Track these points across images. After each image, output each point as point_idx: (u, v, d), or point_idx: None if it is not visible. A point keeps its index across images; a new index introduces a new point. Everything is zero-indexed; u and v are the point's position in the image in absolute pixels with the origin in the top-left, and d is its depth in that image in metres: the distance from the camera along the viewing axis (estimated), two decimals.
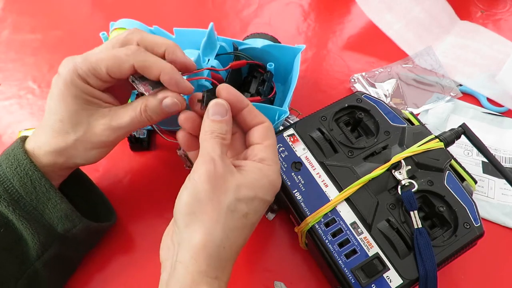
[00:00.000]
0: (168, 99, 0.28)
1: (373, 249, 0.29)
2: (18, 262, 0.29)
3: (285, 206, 0.35)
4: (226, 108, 0.28)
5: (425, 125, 0.35)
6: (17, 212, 0.28)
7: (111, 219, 0.35)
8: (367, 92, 0.39)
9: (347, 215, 0.31)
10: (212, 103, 0.28)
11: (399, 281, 0.28)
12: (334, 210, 0.31)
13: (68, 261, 0.33)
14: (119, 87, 0.31)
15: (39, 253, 0.29)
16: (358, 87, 0.48)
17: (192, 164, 0.40)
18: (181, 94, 0.29)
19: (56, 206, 0.29)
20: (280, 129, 0.36)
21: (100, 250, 0.36)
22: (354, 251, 0.30)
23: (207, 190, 0.25)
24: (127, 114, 0.29)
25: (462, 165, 0.33)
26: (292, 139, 0.34)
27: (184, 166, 0.41)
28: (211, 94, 0.29)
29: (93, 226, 0.32)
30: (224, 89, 0.28)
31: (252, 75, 0.40)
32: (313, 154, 0.33)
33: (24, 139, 0.31)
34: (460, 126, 0.35)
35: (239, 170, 0.27)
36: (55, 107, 0.28)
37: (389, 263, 0.29)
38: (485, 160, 0.39)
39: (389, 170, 0.32)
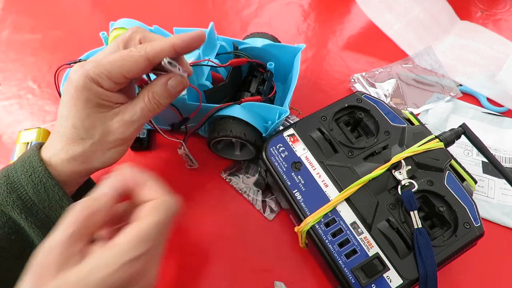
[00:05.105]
0: (172, 80, 0.29)
1: (373, 249, 0.29)
2: None
3: (285, 206, 0.35)
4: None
5: (425, 125, 0.35)
6: (29, 219, 0.28)
7: None
8: (367, 92, 0.39)
9: (347, 215, 0.31)
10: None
11: (399, 281, 0.28)
12: (334, 210, 0.31)
13: None
14: (128, 84, 0.32)
15: None
16: (358, 87, 0.48)
17: (194, 163, 0.40)
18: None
19: None
20: (280, 129, 0.36)
21: None
22: (354, 251, 0.30)
23: None
24: (138, 106, 0.30)
25: (462, 165, 0.33)
26: (292, 139, 0.34)
27: (185, 166, 0.41)
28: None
29: None
30: (123, 173, 0.25)
31: (252, 74, 0.40)
32: (313, 154, 0.33)
33: (39, 146, 0.31)
34: (460, 126, 0.35)
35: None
36: (67, 113, 0.28)
37: (389, 263, 0.29)
38: (485, 160, 0.39)
39: (389, 170, 0.32)
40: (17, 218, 0.28)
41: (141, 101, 0.30)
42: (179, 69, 0.29)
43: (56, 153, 0.29)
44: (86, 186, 0.34)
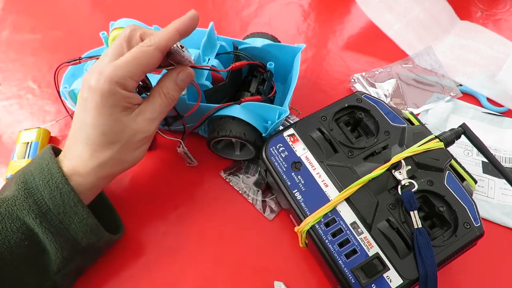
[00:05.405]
0: (181, 73, 0.31)
1: (373, 249, 0.29)
2: (38, 275, 0.29)
3: (285, 206, 0.35)
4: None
5: (425, 125, 0.35)
6: (43, 225, 0.28)
7: (119, 227, 0.36)
8: (367, 92, 0.39)
9: (347, 215, 0.31)
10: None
11: (399, 281, 0.28)
12: (334, 210, 0.31)
13: (82, 269, 0.34)
14: None
15: (60, 267, 0.30)
16: (358, 87, 0.48)
17: (193, 161, 0.40)
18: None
19: (83, 221, 0.29)
20: (280, 128, 0.36)
21: (105, 255, 0.36)
22: (354, 251, 0.30)
23: None
24: (156, 103, 0.31)
25: (462, 165, 0.33)
26: (292, 139, 0.34)
27: (185, 163, 0.41)
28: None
29: (114, 238, 0.33)
30: None
31: (252, 74, 0.40)
32: (313, 154, 0.33)
33: (53, 151, 0.31)
34: (460, 126, 0.35)
35: None
36: (94, 121, 0.28)
37: (389, 263, 0.29)
38: (485, 160, 0.39)
39: (389, 170, 0.32)
40: (31, 223, 0.28)
41: (157, 98, 0.31)
42: (188, 53, 0.31)
43: (85, 162, 0.29)
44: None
